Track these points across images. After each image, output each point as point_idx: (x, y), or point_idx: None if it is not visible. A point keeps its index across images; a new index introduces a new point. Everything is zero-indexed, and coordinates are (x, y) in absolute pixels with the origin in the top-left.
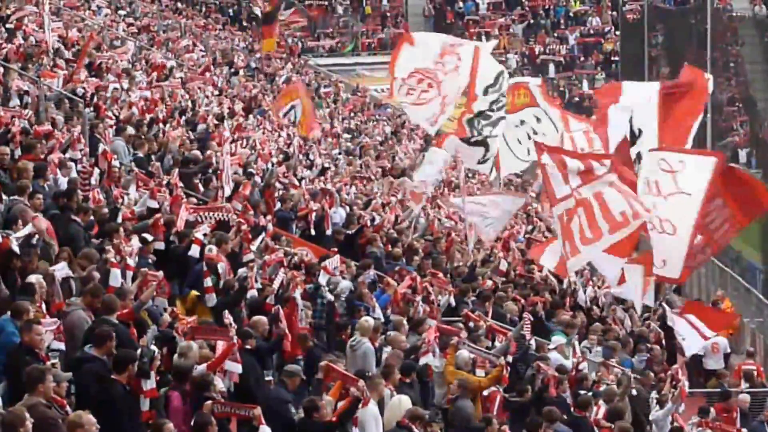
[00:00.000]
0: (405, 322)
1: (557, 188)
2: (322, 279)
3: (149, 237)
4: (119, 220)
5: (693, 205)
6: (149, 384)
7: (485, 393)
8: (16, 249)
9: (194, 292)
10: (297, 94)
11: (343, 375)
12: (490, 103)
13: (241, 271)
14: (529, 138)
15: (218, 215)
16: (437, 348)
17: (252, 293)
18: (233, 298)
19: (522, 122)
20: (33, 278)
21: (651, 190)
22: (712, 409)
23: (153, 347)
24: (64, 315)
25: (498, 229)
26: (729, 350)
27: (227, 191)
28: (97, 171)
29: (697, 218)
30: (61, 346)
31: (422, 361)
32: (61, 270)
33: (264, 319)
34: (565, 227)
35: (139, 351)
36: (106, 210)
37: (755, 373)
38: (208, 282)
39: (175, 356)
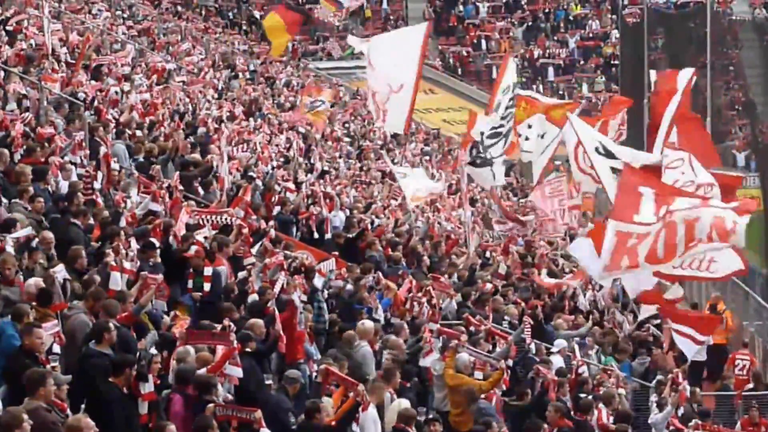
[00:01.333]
0: (405, 326)
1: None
2: (318, 282)
3: (156, 242)
4: (122, 223)
5: None
6: (147, 387)
7: (483, 396)
8: (11, 250)
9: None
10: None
11: (342, 379)
12: (501, 118)
13: (241, 274)
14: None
15: (221, 219)
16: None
17: (252, 297)
18: (233, 302)
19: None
20: (32, 281)
21: None
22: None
23: (153, 350)
24: (66, 319)
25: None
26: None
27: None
28: (99, 174)
29: None
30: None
31: (425, 361)
32: (60, 272)
33: (260, 321)
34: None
35: (138, 354)
36: (106, 213)
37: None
38: (190, 284)
39: (173, 362)
